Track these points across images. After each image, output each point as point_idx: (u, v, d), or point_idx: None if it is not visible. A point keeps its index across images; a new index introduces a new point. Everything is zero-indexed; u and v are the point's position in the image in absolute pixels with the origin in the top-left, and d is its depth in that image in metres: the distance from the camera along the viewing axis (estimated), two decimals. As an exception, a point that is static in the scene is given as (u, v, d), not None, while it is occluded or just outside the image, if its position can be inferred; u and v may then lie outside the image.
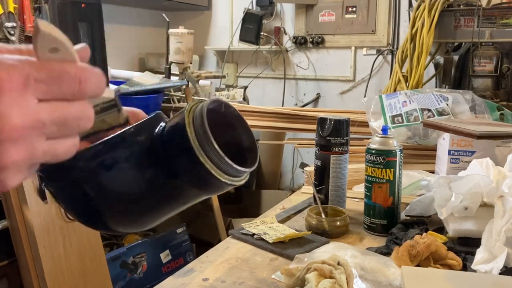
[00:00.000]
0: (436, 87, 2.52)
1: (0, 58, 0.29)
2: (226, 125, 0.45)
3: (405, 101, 1.49)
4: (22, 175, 0.31)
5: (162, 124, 0.43)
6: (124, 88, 2.19)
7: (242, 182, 0.43)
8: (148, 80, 2.42)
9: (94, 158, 0.40)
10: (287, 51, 3.24)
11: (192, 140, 0.39)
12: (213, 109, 0.42)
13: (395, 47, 2.84)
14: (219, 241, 0.97)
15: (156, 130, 0.42)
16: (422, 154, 1.42)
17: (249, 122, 1.70)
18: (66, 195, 0.43)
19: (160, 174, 0.41)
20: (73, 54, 0.32)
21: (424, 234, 0.81)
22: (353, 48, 3.02)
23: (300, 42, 3.15)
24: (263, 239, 0.90)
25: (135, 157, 0.41)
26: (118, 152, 0.41)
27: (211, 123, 0.40)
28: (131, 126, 0.42)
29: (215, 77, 3.10)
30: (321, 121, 1.04)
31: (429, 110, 1.43)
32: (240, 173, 0.42)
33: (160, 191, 0.42)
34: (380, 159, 0.93)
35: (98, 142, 0.41)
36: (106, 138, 0.41)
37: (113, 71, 2.68)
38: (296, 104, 3.25)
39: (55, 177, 0.42)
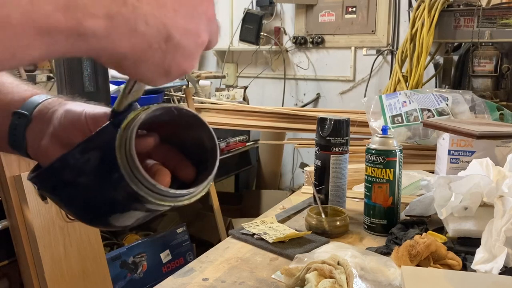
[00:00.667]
0: (436, 87, 2.52)
1: None
2: (186, 126, 0.44)
3: (405, 101, 1.49)
4: (195, 62, 0.36)
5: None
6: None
7: (192, 200, 0.41)
8: (148, 80, 2.41)
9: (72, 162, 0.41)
10: (287, 51, 3.24)
11: (123, 168, 0.38)
12: (161, 114, 0.41)
13: (395, 47, 2.84)
14: (219, 241, 0.97)
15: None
16: (422, 154, 1.42)
17: (249, 122, 1.70)
18: (59, 197, 0.44)
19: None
20: None
21: (424, 234, 0.81)
22: (353, 48, 3.02)
23: (300, 42, 3.15)
24: (263, 239, 0.90)
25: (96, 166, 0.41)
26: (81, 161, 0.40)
27: (166, 126, 0.41)
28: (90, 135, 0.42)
29: (215, 77, 3.10)
30: (321, 121, 1.04)
31: (429, 110, 1.43)
32: (176, 197, 0.40)
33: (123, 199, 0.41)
34: (380, 159, 0.93)
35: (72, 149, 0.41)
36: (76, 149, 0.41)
37: (113, 71, 2.67)
38: (296, 104, 3.25)
39: (45, 183, 0.43)
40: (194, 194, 0.41)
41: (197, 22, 0.34)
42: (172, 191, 0.39)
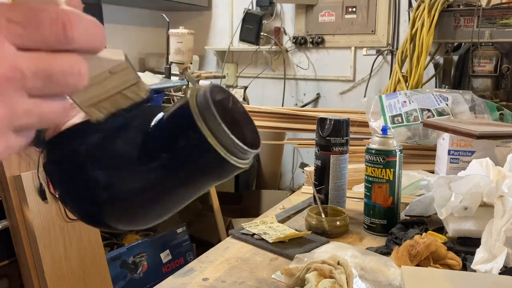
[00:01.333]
0: (436, 87, 2.52)
1: None
2: (232, 121, 0.41)
3: (405, 101, 1.49)
4: (4, 141, 0.26)
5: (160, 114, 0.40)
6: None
7: (248, 166, 0.40)
8: (148, 80, 2.42)
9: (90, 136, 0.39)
10: (287, 51, 3.24)
11: (199, 122, 0.37)
12: (220, 101, 0.40)
13: (395, 47, 2.84)
14: (219, 241, 0.97)
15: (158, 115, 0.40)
16: (422, 154, 1.42)
17: (249, 122, 1.70)
18: (65, 182, 0.40)
19: (162, 161, 0.39)
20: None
21: (424, 234, 0.81)
22: (353, 48, 3.03)
23: (300, 42, 3.15)
24: (263, 239, 0.90)
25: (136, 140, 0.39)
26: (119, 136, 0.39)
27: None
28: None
29: (215, 77, 3.10)
30: (321, 121, 1.04)
31: (428, 110, 1.43)
32: (247, 154, 0.40)
33: (163, 180, 0.39)
34: (380, 159, 0.93)
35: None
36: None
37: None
38: (296, 104, 3.25)
39: (57, 154, 0.39)
40: (250, 160, 0.41)
41: None
42: (245, 147, 0.38)
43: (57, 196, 0.42)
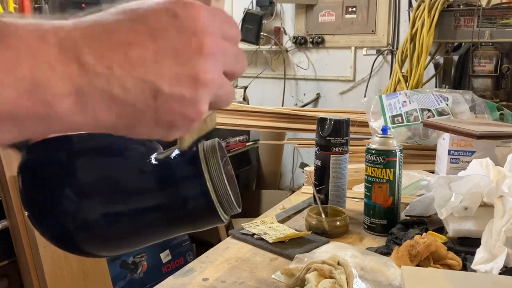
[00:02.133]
0: (436, 87, 2.52)
1: None
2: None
3: (405, 101, 1.49)
4: (207, 104, 0.32)
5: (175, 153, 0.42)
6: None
7: (226, 222, 0.43)
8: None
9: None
10: (287, 51, 3.24)
11: (205, 173, 0.39)
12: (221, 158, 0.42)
13: (395, 47, 2.84)
14: (219, 241, 0.97)
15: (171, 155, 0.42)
16: (422, 154, 1.42)
17: (249, 122, 1.70)
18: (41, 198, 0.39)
19: (157, 200, 0.40)
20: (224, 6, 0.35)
21: (424, 234, 0.81)
22: (353, 48, 3.02)
23: (300, 42, 3.15)
24: (263, 239, 0.90)
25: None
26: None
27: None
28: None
29: (215, 77, 3.10)
30: (321, 121, 1.04)
31: (429, 110, 1.43)
32: (232, 212, 0.42)
33: (152, 216, 0.40)
34: (380, 159, 0.93)
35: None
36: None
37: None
38: (296, 104, 3.25)
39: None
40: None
41: (191, 65, 0.30)
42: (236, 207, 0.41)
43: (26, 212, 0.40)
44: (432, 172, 1.28)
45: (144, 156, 0.41)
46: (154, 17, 0.30)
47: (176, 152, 0.41)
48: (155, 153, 0.41)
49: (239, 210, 0.42)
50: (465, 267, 0.77)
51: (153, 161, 0.40)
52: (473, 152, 1.13)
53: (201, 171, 0.39)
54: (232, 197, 0.40)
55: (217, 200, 0.40)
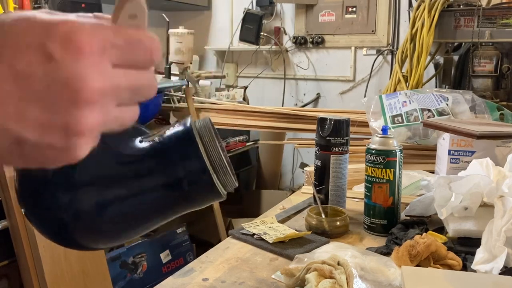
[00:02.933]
0: (436, 87, 2.52)
1: (81, 21, 0.28)
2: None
3: (405, 101, 1.49)
4: (92, 144, 0.29)
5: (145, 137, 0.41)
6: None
7: (225, 198, 0.43)
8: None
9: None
10: (287, 51, 3.24)
11: (204, 154, 0.39)
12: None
13: (395, 47, 2.84)
14: (219, 241, 0.97)
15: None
16: (422, 154, 1.42)
17: (249, 122, 1.70)
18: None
19: (153, 182, 0.39)
20: (146, 23, 0.32)
21: (424, 234, 0.81)
22: (353, 48, 3.03)
23: (300, 42, 3.15)
24: (263, 239, 0.90)
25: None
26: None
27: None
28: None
29: (215, 77, 3.10)
30: (321, 121, 1.04)
31: (429, 110, 1.43)
32: (231, 187, 0.42)
33: (151, 200, 0.40)
34: (380, 159, 0.93)
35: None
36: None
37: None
38: (296, 104, 3.25)
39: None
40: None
41: (62, 114, 0.27)
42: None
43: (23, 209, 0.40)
44: (432, 172, 1.28)
45: (134, 139, 0.40)
46: (20, 56, 0.26)
47: (168, 131, 0.40)
48: (144, 136, 0.41)
49: (236, 185, 0.42)
50: (465, 267, 0.77)
51: (145, 144, 0.40)
52: (473, 152, 1.13)
53: (197, 148, 0.39)
54: (229, 170, 0.40)
55: (216, 177, 0.40)
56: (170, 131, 0.41)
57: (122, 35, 0.30)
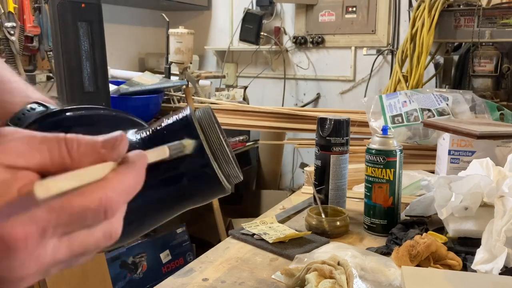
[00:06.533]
0: (436, 87, 2.52)
1: (16, 216, 0.26)
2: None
3: (405, 101, 1.48)
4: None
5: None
6: (124, 88, 2.19)
7: (230, 192, 0.41)
8: (148, 80, 2.42)
9: None
10: (287, 51, 3.24)
11: (206, 147, 0.37)
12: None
13: (395, 47, 2.83)
14: (219, 241, 0.97)
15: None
16: (422, 154, 1.42)
17: (249, 122, 1.70)
18: None
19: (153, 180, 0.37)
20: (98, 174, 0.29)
21: (424, 234, 0.81)
22: (353, 48, 3.02)
23: (300, 42, 3.15)
24: (263, 239, 0.90)
25: None
26: None
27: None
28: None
29: (215, 77, 3.10)
30: (321, 121, 1.04)
31: (429, 110, 1.43)
32: (236, 181, 0.40)
33: (150, 198, 0.38)
34: (380, 159, 0.93)
35: None
36: None
37: (113, 71, 2.68)
38: (296, 104, 3.25)
39: None
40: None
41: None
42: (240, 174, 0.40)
43: None
44: (432, 172, 1.28)
45: (127, 130, 0.39)
46: None
47: (167, 120, 0.39)
48: (140, 128, 0.39)
49: (241, 177, 0.41)
50: (465, 267, 0.77)
51: (141, 135, 0.38)
52: (473, 152, 1.13)
53: (197, 134, 0.37)
54: (232, 159, 0.38)
55: (218, 166, 0.38)
56: (168, 120, 0.39)
57: (64, 212, 0.27)
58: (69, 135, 0.29)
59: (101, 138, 0.29)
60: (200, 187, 0.39)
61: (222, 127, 0.40)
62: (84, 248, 0.29)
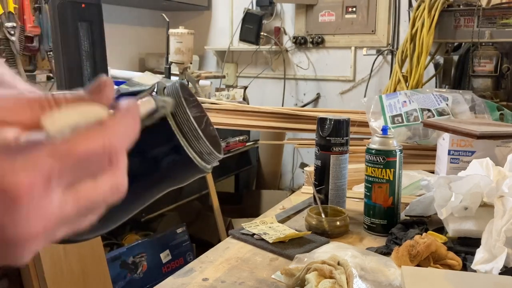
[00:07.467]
0: (436, 87, 2.52)
1: (20, 158, 0.25)
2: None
3: (405, 101, 1.49)
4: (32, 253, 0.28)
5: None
6: (124, 88, 2.19)
7: (210, 171, 0.39)
8: (148, 80, 2.42)
9: None
10: (287, 51, 3.24)
11: (173, 126, 0.36)
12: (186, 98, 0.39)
13: (395, 47, 2.83)
14: (219, 241, 0.97)
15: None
16: (422, 154, 1.42)
17: (249, 122, 1.70)
18: None
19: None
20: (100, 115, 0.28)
21: (424, 234, 0.81)
22: (353, 48, 3.02)
23: (300, 42, 3.15)
24: (263, 239, 0.90)
25: None
26: None
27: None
28: None
29: (215, 77, 3.10)
30: (321, 121, 1.04)
31: (429, 110, 1.43)
32: (214, 159, 0.39)
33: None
34: (380, 159, 0.93)
35: None
36: None
37: (113, 71, 2.68)
38: (296, 104, 3.25)
39: None
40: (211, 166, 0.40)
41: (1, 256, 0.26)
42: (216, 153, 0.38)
43: None
44: (432, 172, 1.28)
45: None
46: None
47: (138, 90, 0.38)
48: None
49: (221, 156, 0.39)
50: (465, 267, 0.77)
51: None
52: (473, 152, 1.13)
53: (167, 122, 0.36)
54: (201, 135, 0.37)
55: (187, 142, 0.36)
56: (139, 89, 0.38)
57: (69, 155, 0.26)
58: (56, 93, 0.29)
59: (86, 88, 0.29)
60: (170, 166, 0.37)
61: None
62: (91, 202, 0.28)
